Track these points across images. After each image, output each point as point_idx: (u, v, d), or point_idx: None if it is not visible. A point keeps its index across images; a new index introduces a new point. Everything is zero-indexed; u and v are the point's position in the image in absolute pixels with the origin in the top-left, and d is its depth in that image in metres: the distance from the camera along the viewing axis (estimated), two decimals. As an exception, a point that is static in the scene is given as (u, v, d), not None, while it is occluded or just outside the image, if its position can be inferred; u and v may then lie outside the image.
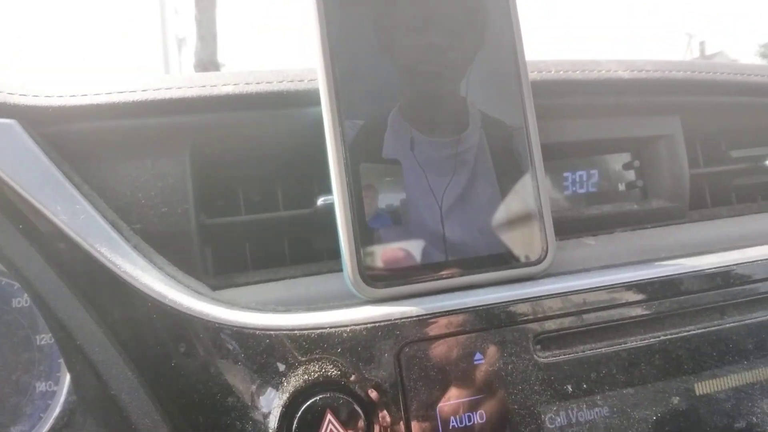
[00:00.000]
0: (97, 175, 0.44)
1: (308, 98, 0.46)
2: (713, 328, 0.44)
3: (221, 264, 0.49)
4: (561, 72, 0.52)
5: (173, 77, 0.47)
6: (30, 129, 0.42)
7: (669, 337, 0.43)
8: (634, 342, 0.42)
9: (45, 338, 0.51)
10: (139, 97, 0.44)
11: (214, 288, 0.44)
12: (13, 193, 0.40)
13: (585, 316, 0.41)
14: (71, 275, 0.40)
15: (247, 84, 0.46)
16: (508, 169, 0.43)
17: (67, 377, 0.49)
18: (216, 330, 0.38)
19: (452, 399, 0.38)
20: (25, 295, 0.50)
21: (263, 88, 0.46)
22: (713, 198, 0.62)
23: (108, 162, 0.44)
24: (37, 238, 0.41)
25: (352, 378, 0.37)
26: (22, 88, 0.44)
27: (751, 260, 0.46)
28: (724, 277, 0.44)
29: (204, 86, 0.45)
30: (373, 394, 0.37)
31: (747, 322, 0.44)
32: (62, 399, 0.49)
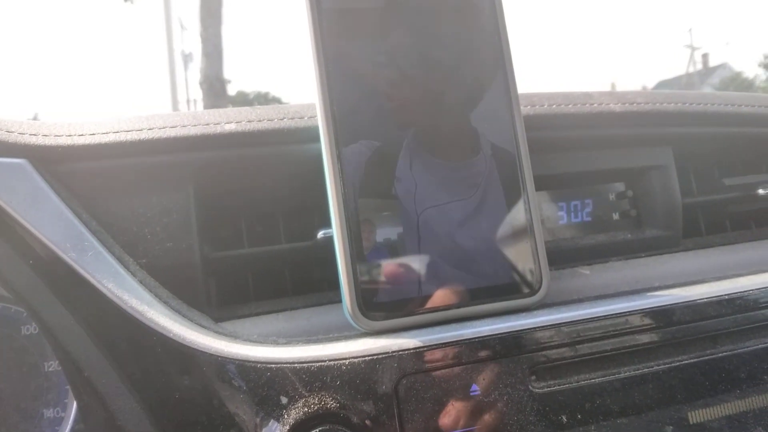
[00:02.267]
0: (105, 211, 0.45)
1: (308, 135, 0.48)
2: (706, 358, 0.44)
3: (224, 295, 0.50)
4: (554, 106, 0.53)
5: (178, 115, 0.48)
6: (40, 168, 0.44)
7: (662, 366, 0.43)
8: (628, 372, 0.43)
9: (53, 365, 0.52)
10: (144, 136, 0.46)
11: (217, 320, 0.46)
12: (24, 230, 0.42)
13: (579, 346, 0.42)
14: (80, 310, 0.42)
15: (249, 122, 0.48)
16: (502, 202, 0.44)
17: (74, 404, 0.51)
18: (219, 363, 0.39)
19: (449, 430, 0.39)
20: (34, 323, 0.52)
21: (264, 126, 0.47)
22: (707, 226, 0.62)
23: (115, 199, 0.46)
24: (46, 274, 0.42)
25: (351, 410, 0.38)
26: (32, 128, 0.45)
27: (743, 290, 0.46)
28: (716, 307, 0.45)
29: (207, 124, 0.47)
30: (371, 425, 0.38)
31: (739, 351, 0.45)
32: (69, 426, 0.51)
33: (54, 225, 0.42)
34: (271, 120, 0.48)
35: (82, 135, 0.45)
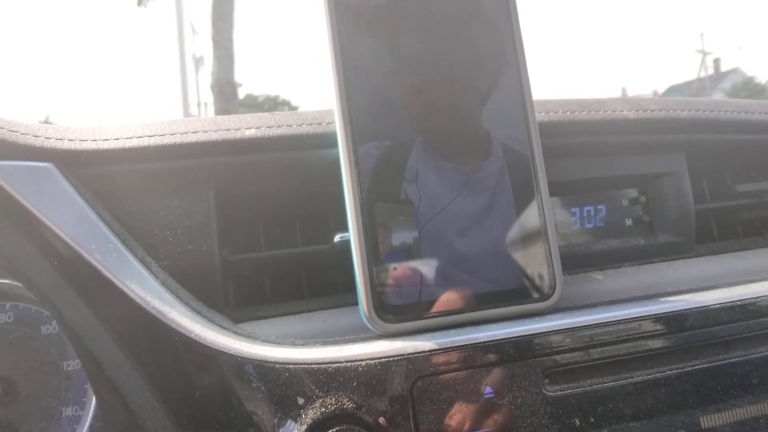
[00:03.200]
0: (128, 214, 0.46)
1: (326, 140, 0.49)
2: (718, 363, 0.44)
3: (242, 297, 0.51)
4: (568, 113, 0.54)
5: (199, 120, 0.49)
6: (66, 171, 0.45)
7: (675, 371, 0.43)
8: (641, 376, 0.43)
9: (72, 364, 0.53)
10: (167, 141, 0.47)
11: (236, 321, 0.46)
12: (50, 232, 0.43)
13: (592, 350, 0.42)
14: (103, 310, 0.43)
15: (268, 128, 0.49)
16: (517, 208, 0.45)
17: (93, 403, 0.52)
18: (238, 364, 0.40)
19: None
20: (54, 322, 0.53)
21: (283, 131, 0.48)
22: (720, 232, 0.63)
23: (138, 202, 0.47)
24: (70, 275, 0.43)
25: (367, 411, 0.39)
26: (57, 133, 0.47)
27: (756, 296, 0.47)
28: (729, 313, 0.45)
29: (228, 130, 0.48)
30: (386, 426, 0.39)
31: (752, 357, 0.45)
32: (88, 424, 0.52)
33: (79, 227, 0.43)
34: (290, 126, 0.49)
35: (106, 140, 0.46)
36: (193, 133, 0.47)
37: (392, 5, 0.44)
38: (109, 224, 0.44)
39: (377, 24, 0.44)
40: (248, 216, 0.52)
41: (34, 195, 0.43)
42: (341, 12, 0.43)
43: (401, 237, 0.42)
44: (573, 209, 0.58)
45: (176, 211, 0.47)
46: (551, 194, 0.46)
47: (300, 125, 0.49)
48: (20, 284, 0.51)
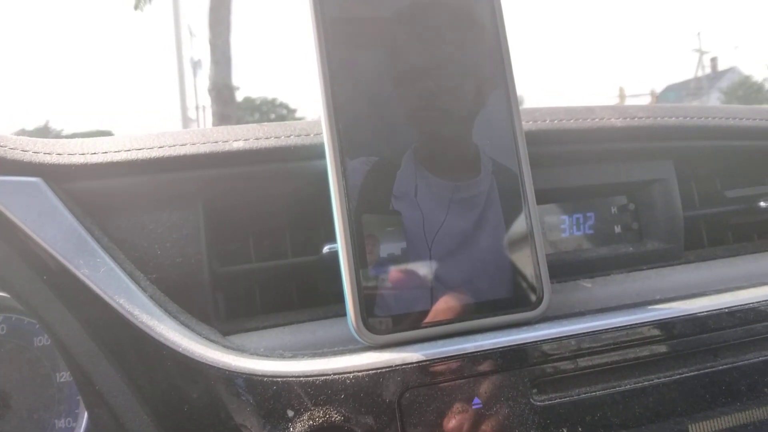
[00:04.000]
0: (116, 228, 0.46)
1: (313, 151, 0.49)
2: (707, 370, 0.45)
3: (232, 309, 0.51)
4: (556, 121, 0.54)
5: (187, 132, 0.50)
6: (54, 186, 0.45)
7: (663, 379, 0.44)
8: (629, 384, 0.43)
9: (65, 376, 0.54)
10: (155, 154, 0.47)
11: (225, 333, 0.47)
12: (38, 247, 0.43)
13: (581, 359, 0.43)
14: (92, 324, 0.43)
15: (256, 139, 0.49)
16: (504, 216, 0.45)
17: (86, 415, 0.52)
18: (226, 377, 0.40)
19: None
20: (47, 335, 0.53)
21: (271, 143, 0.49)
22: (709, 238, 0.63)
23: (126, 215, 0.47)
24: (59, 289, 0.43)
25: (356, 423, 0.39)
26: (46, 147, 0.47)
27: (743, 303, 0.47)
28: (717, 320, 0.45)
29: (216, 142, 0.48)
30: None
31: (740, 364, 0.45)
32: (80, 436, 0.52)
33: (67, 241, 0.43)
34: (278, 137, 0.49)
35: (94, 153, 0.46)
36: (182, 145, 0.48)
37: (380, 19, 0.45)
38: (98, 238, 0.44)
39: (365, 38, 0.44)
40: (237, 228, 0.52)
41: (22, 210, 0.43)
42: (329, 25, 0.43)
43: (389, 248, 0.43)
44: (562, 217, 0.58)
45: (165, 224, 0.47)
46: (539, 202, 0.46)
47: (288, 137, 0.49)
48: (9, 296, 0.51)
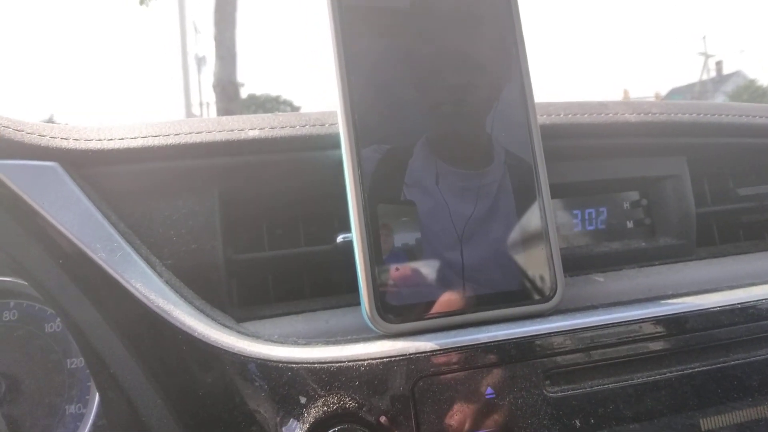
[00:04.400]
0: (133, 213, 0.47)
1: (328, 141, 0.49)
2: (719, 366, 0.45)
3: (245, 297, 0.51)
4: (570, 115, 0.54)
5: (203, 121, 0.50)
6: (71, 171, 0.45)
7: (675, 373, 0.44)
8: (641, 378, 0.43)
9: (75, 362, 0.54)
10: (171, 141, 0.47)
11: (239, 320, 0.47)
12: (55, 231, 0.43)
13: (593, 352, 0.43)
14: (107, 308, 0.43)
15: (272, 128, 0.49)
16: (519, 209, 0.45)
17: (96, 400, 0.52)
18: (241, 362, 0.40)
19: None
20: (57, 320, 0.53)
21: (287, 132, 0.49)
22: (721, 235, 0.63)
23: (142, 201, 0.47)
24: (76, 273, 0.43)
25: (369, 410, 0.39)
26: (63, 132, 0.47)
27: (756, 299, 0.47)
28: (729, 316, 0.45)
29: (232, 131, 0.48)
30: (388, 425, 0.39)
31: (751, 359, 0.45)
32: (91, 421, 0.52)
33: (84, 226, 0.43)
34: (293, 127, 0.49)
35: (111, 139, 0.47)
36: (198, 133, 0.48)
37: (396, 9, 0.45)
38: (114, 223, 0.44)
39: (381, 27, 0.44)
40: (252, 216, 0.52)
41: (39, 194, 0.43)
42: (345, 14, 0.43)
43: (403, 238, 0.43)
44: (574, 211, 0.58)
45: (180, 211, 0.48)
46: (553, 196, 0.46)
47: (303, 126, 0.50)
48: (25, 282, 0.51)
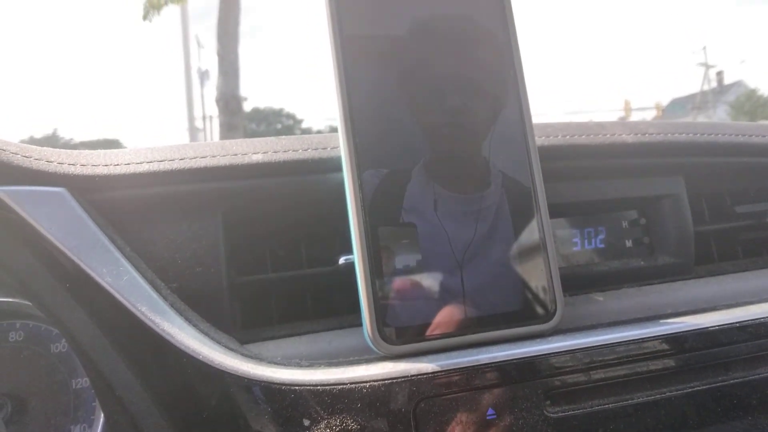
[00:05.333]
0: (138, 237, 0.47)
1: (331, 165, 0.50)
2: (718, 384, 0.45)
3: (249, 318, 0.52)
4: (568, 137, 0.55)
5: (207, 145, 0.51)
6: (78, 196, 0.46)
7: (675, 392, 0.44)
8: (641, 397, 0.43)
9: (81, 382, 0.54)
10: (176, 165, 0.48)
11: (243, 342, 0.47)
12: (62, 255, 0.44)
13: (593, 372, 0.43)
14: (113, 331, 0.44)
15: (275, 152, 0.50)
16: (518, 230, 0.45)
17: (101, 420, 0.52)
18: (245, 385, 0.41)
19: None
20: (63, 340, 0.54)
21: (289, 156, 0.50)
22: (719, 253, 0.63)
23: (148, 225, 0.48)
24: (82, 297, 0.44)
25: None
26: (70, 158, 0.48)
27: (755, 317, 0.47)
28: (728, 334, 0.46)
29: (236, 155, 0.49)
30: None
31: (751, 378, 0.46)
32: (96, 442, 0.52)
33: (91, 250, 0.44)
34: (296, 150, 0.50)
35: (117, 165, 0.48)
36: (202, 158, 0.49)
37: (395, 36, 0.46)
38: (120, 248, 0.45)
39: (381, 53, 0.45)
40: (254, 238, 0.53)
41: (47, 219, 0.44)
42: (346, 44, 0.44)
43: (404, 260, 0.43)
44: (573, 231, 0.59)
45: (185, 235, 0.48)
46: (552, 216, 0.47)
47: (305, 150, 0.50)
48: (32, 304, 0.52)
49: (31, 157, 0.46)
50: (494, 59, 0.47)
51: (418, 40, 0.46)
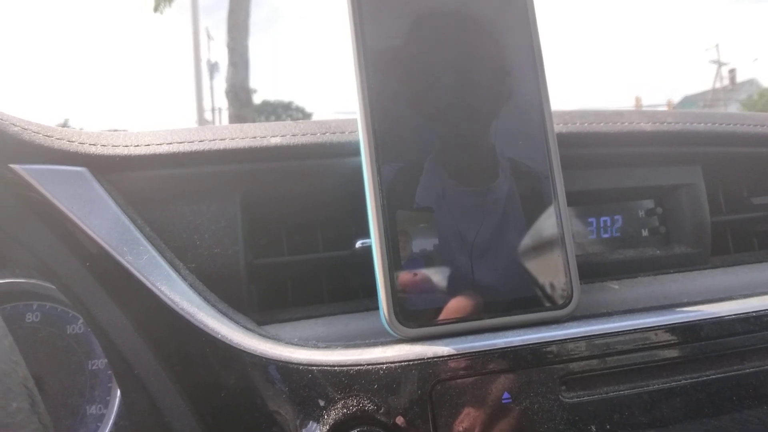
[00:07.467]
0: (158, 218, 0.48)
1: (349, 149, 0.50)
2: (733, 373, 0.45)
3: (266, 300, 0.52)
4: (586, 124, 0.55)
5: (227, 128, 0.51)
6: (99, 176, 0.46)
7: (690, 381, 0.44)
8: (656, 385, 0.43)
9: (96, 363, 0.55)
10: (196, 147, 0.48)
11: (260, 323, 0.48)
12: (83, 234, 0.44)
13: (608, 358, 0.43)
14: (133, 310, 0.44)
15: (293, 136, 0.50)
16: (535, 217, 0.45)
17: (117, 401, 0.53)
18: (263, 364, 0.41)
19: None
20: (80, 321, 0.54)
21: (308, 140, 0.50)
22: (735, 244, 0.63)
23: (167, 206, 0.48)
24: (102, 275, 0.45)
25: (387, 413, 0.39)
26: (91, 139, 0.48)
27: None
28: (743, 324, 0.46)
29: (254, 137, 0.49)
30: (406, 428, 0.39)
31: (766, 368, 0.45)
32: (111, 422, 0.53)
33: (111, 230, 0.44)
34: (314, 134, 0.50)
35: (138, 146, 0.48)
36: (221, 140, 0.49)
37: (414, 19, 0.45)
38: (140, 227, 0.46)
39: (400, 36, 0.45)
40: (272, 221, 0.53)
41: (68, 198, 0.45)
42: (368, 43, 0.44)
43: (421, 244, 0.43)
44: (590, 219, 0.59)
45: (204, 216, 0.49)
46: (569, 204, 0.46)
47: (324, 134, 0.51)
48: (48, 284, 0.52)
49: (52, 137, 0.47)
50: (515, 46, 0.47)
51: (435, 26, 0.46)
